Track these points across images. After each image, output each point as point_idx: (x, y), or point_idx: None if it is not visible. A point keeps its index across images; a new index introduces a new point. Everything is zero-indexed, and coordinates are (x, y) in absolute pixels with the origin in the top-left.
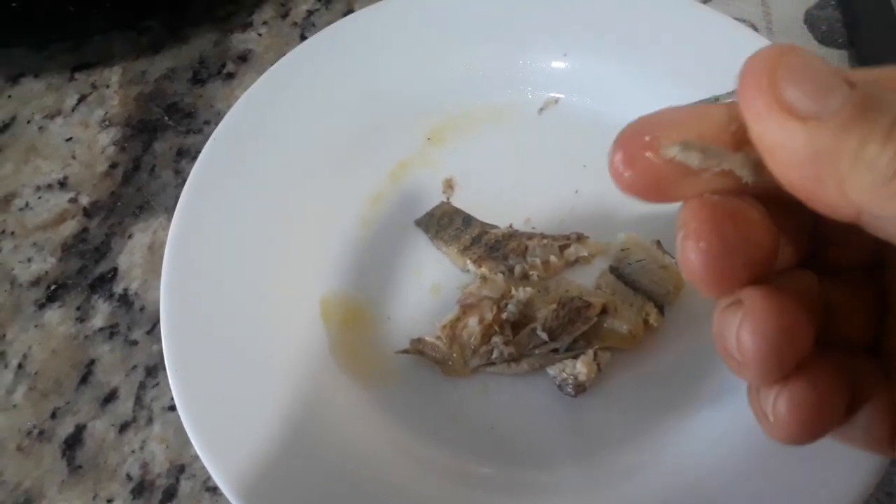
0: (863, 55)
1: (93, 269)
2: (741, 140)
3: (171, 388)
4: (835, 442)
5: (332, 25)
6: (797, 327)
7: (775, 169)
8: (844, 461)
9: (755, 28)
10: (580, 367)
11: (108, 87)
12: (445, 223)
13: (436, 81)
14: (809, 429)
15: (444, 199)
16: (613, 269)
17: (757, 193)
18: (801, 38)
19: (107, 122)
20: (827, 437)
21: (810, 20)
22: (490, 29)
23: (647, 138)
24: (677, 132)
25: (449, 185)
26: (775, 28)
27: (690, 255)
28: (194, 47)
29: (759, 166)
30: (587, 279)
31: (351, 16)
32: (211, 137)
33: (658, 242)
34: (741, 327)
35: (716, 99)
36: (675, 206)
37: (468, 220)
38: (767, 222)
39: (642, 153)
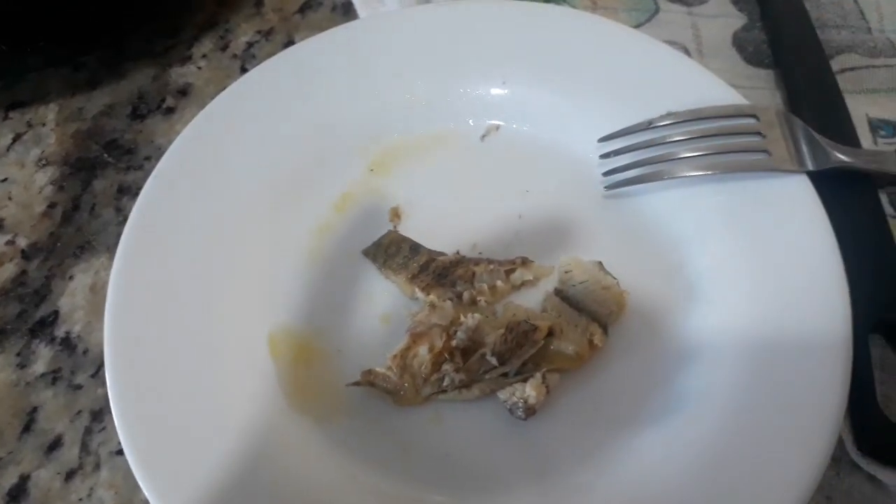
0: (787, 74)
1: (33, 313)
2: None
3: (118, 432)
4: (774, 450)
5: (272, 58)
6: None
7: None
8: (786, 469)
9: (687, 51)
10: (529, 390)
11: (43, 125)
12: (393, 252)
13: (377, 112)
14: None
15: (392, 228)
16: (558, 292)
17: None
18: (730, 60)
19: (44, 161)
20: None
21: (738, 42)
22: (430, 59)
23: None
24: None
25: (396, 214)
26: (705, 51)
27: None
28: (132, 82)
29: None
30: (533, 302)
31: (291, 48)
32: (152, 174)
33: (600, 263)
34: None
35: (650, 123)
36: (615, 229)
37: (416, 247)
38: None
39: None
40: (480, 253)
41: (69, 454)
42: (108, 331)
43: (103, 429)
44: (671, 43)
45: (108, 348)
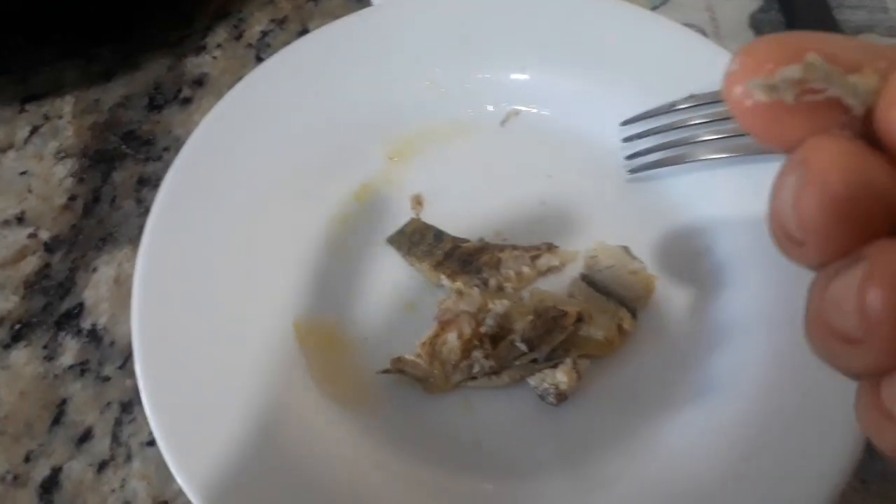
0: None
1: (58, 306)
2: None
3: (150, 422)
4: (807, 433)
5: (288, 46)
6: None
7: None
8: (820, 453)
9: (704, 33)
10: (561, 376)
11: (60, 117)
12: (417, 239)
13: (396, 99)
14: None
15: (414, 216)
16: (585, 277)
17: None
18: (747, 41)
19: (62, 154)
20: None
21: (755, 23)
22: (447, 45)
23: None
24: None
25: (418, 202)
26: (722, 32)
27: (812, 203)
28: (148, 73)
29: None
30: (559, 288)
31: (306, 36)
32: (173, 165)
33: (626, 248)
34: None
35: (673, 105)
36: (640, 213)
37: (439, 235)
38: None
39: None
40: (505, 239)
41: (100, 446)
42: (136, 321)
43: (133, 420)
44: (688, 25)
45: (136, 339)
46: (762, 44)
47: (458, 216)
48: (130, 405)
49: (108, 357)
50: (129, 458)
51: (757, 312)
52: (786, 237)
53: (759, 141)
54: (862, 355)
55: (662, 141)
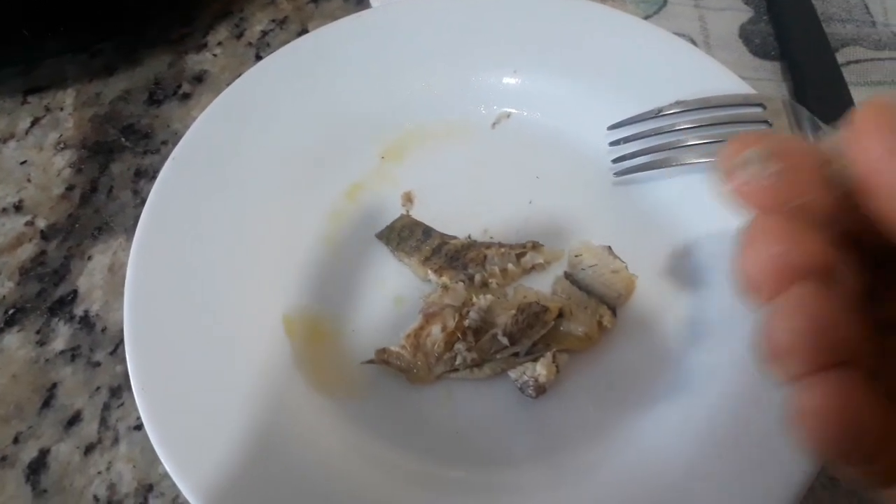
0: (794, 66)
1: (52, 292)
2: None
3: (138, 406)
4: (776, 430)
5: (286, 46)
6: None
7: (883, 205)
8: (793, 444)
9: (694, 42)
10: (540, 370)
11: (62, 109)
12: (406, 235)
13: (391, 100)
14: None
15: (404, 213)
16: (568, 275)
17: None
18: (737, 51)
19: (62, 145)
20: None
21: (745, 34)
22: (442, 48)
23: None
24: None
25: (408, 199)
26: (712, 42)
27: (780, 336)
28: (149, 69)
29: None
30: (544, 285)
31: (305, 36)
32: (170, 157)
33: (609, 248)
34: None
35: (659, 111)
36: (624, 214)
37: (428, 231)
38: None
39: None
40: (492, 237)
41: (88, 429)
42: (128, 309)
43: (121, 405)
44: (679, 35)
45: (127, 326)
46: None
47: (447, 214)
48: (119, 390)
49: (99, 343)
50: (115, 441)
51: (733, 313)
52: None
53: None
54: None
55: (648, 145)
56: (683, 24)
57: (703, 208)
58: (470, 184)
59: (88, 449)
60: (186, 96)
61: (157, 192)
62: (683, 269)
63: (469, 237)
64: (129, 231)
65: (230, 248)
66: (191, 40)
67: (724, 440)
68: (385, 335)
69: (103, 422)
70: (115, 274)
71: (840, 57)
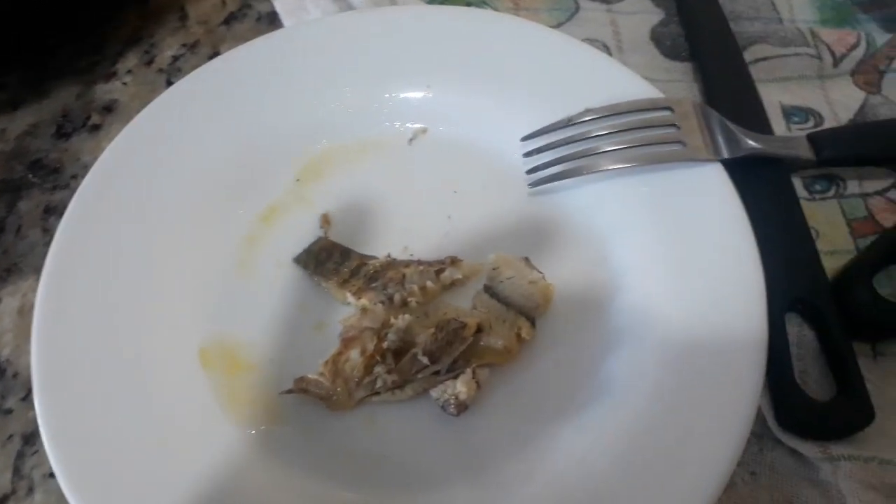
0: (703, 66)
1: None
2: None
3: (48, 454)
4: (698, 432)
5: (196, 70)
6: None
7: None
8: (708, 447)
9: (606, 47)
10: (460, 387)
11: None
12: (324, 258)
13: (304, 121)
14: None
15: (322, 235)
16: (487, 288)
17: None
18: (648, 54)
19: None
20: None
21: (656, 36)
22: (355, 66)
23: None
24: None
25: (326, 221)
26: (625, 46)
27: None
28: (56, 101)
29: None
30: (465, 300)
31: (215, 59)
32: (76, 193)
33: (526, 259)
34: None
35: (570, 120)
36: (541, 224)
37: (346, 253)
38: None
39: None
40: (412, 255)
41: (1, 479)
42: (36, 353)
43: (35, 452)
44: (591, 40)
45: (35, 371)
46: None
47: (366, 233)
48: (33, 437)
49: (10, 389)
50: (30, 490)
51: (649, 316)
52: None
53: None
54: None
55: (561, 154)
56: (596, 29)
57: (617, 214)
58: (388, 201)
59: (2, 501)
60: (96, 128)
61: (64, 230)
62: (601, 276)
63: (389, 256)
64: (40, 271)
65: (142, 283)
66: (99, 69)
67: (647, 443)
68: (306, 362)
69: (17, 471)
70: (26, 317)
71: (748, 55)
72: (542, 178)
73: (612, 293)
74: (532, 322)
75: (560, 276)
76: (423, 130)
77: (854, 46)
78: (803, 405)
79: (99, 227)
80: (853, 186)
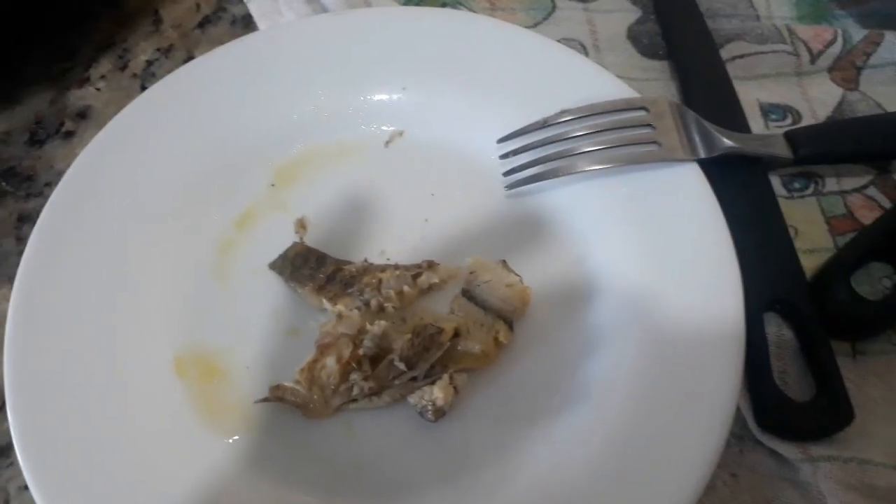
0: (680, 64)
1: None
2: None
3: (22, 467)
4: (675, 431)
5: (170, 75)
6: None
7: None
8: (687, 448)
9: (583, 46)
10: (437, 392)
11: None
12: (299, 264)
13: (279, 124)
14: None
15: (297, 240)
16: (465, 292)
17: None
18: (625, 53)
19: None
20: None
21: (633, 35)
22: (330, 69)
23: None
24: None
25: (301, 226)
26: (601, 45)
27: None
28: (29, 108)
29: None
30: (442, 305)
31: (189, 63)
32: (48, 201)
33: (503, 262)
34: None
35: (545, 121)
36: (518, 227)
37: (322, 258)
38: None
39: None
40: (388, 259)
41: None
42: (9, 364)
43: (11, 464)
44: (568, 39)
45: (8, 382)
46: None
47: (342, 238)
48: (8, 449)
49: None
50: (6, 503)
51: (627, 317)
52: None
53: None
54: None
55: (537, 156)
56: (573, 28)
57: (594, 214)
58: (365, 205)
59: None
60: (70, 134)
61: (36, 238)
62: (578, 277)
63: (365, 260)
64: (13, 280)
65: (115, 291)
66: (72, 75)
67: (626, 445)
68: (282, 369)
69: None
70: None
71: (725, 52)
72: (519, 179)
73: (590, 294)
74: (510, 326)
75: (538, 277)
76: (400, 133)
77: (831, 43)
78: (783, 406)
79: (72, 234)
80: (832, 184)
